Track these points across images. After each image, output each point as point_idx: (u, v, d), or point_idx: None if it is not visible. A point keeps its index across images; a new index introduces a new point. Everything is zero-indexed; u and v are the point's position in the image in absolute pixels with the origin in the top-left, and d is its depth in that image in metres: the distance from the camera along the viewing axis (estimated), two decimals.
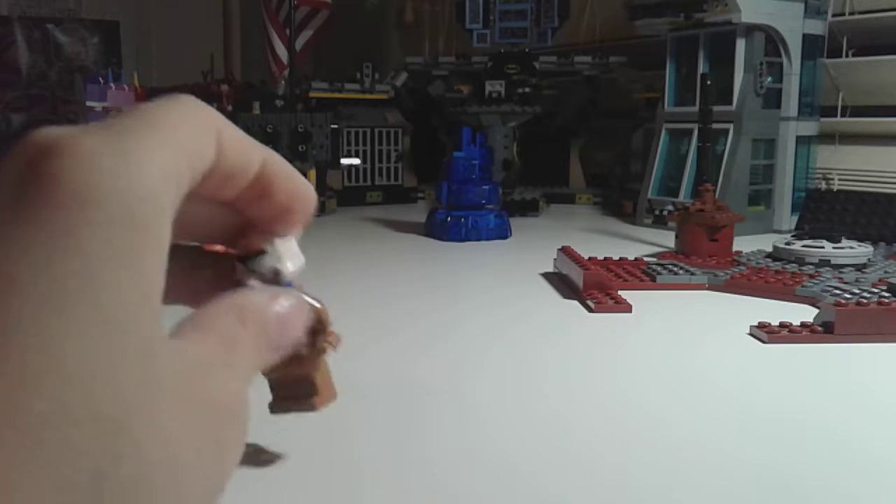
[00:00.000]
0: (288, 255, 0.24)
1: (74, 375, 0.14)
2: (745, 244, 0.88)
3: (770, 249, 0.81)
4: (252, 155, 0.22)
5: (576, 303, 0.66)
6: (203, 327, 0.19)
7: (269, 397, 0.29)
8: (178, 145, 0.18)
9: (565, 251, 0.76)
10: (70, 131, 0.16)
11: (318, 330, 0.26)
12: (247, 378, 0.20)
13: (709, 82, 0.90)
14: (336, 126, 1.40)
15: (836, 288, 0.64)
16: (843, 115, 1.16)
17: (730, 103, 1.09)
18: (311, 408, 0.28)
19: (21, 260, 0.14)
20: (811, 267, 0.74)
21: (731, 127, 1.09)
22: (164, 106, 0.19)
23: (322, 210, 1.29)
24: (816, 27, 1.12)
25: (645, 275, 0.73)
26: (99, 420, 0.14)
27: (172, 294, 0.19)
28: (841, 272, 0.72)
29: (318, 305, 0.26)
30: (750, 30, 1.08)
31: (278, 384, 0.28)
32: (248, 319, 0.20)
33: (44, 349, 0.14)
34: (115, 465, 0.14)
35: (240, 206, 0.23)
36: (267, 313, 0.21)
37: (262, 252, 0.23)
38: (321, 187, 1.38)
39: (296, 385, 0.28)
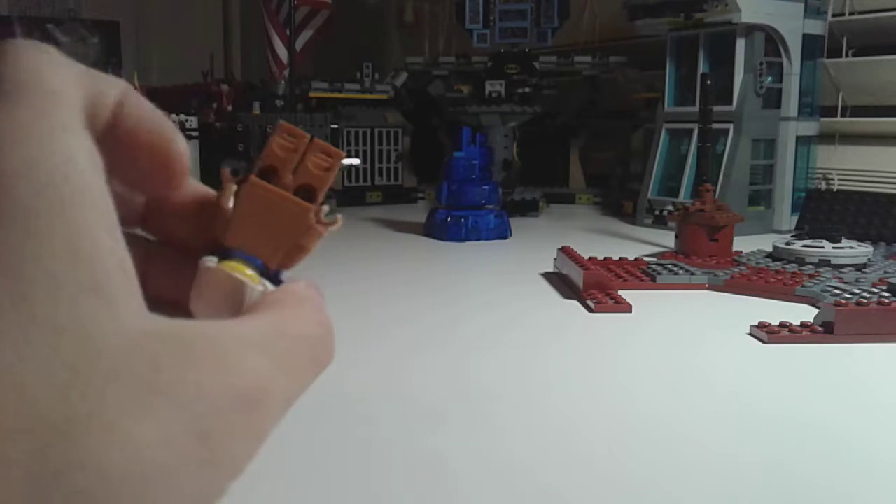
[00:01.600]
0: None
1: None
2: (745, 244, 0.88)
3: (770, 249, 0.81)
4: (106, 87, 0.18)
5: (576, 303, 0.66)
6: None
7: None
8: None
9: (565, 251, 0.76)
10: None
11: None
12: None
13: (709, 82, 0.90)
14: (336, 126, 1.40)
15: (836, 288, 0.64)
16: (843, 115, 1.16)
17: (730, 103, 1.09)
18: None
19: None
20: (811, 267, 0.74)
21: (731, 127, 1.09)
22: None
23: None
24: (816, 27, 1.12)
25: (645, 275, 0.73)
26: (34, 430, 0.12)
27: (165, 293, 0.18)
28: (841, 272, 0.72)
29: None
30: (750, 30, 1.08)
31: None
32: (317, 303, 0.17)
33: None
34: (62, 479, 0.12)
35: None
36: (318, 297, 0.18)
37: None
38: None
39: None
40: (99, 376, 0.13)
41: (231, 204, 0.17)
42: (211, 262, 0.17)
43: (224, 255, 0.17)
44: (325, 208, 0.17)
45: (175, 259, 0.20)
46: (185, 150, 0.18)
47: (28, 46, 0.15)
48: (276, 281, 0.17)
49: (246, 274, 0.17)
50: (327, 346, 0.16)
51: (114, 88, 0.16)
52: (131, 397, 0.13)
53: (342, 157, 0.18)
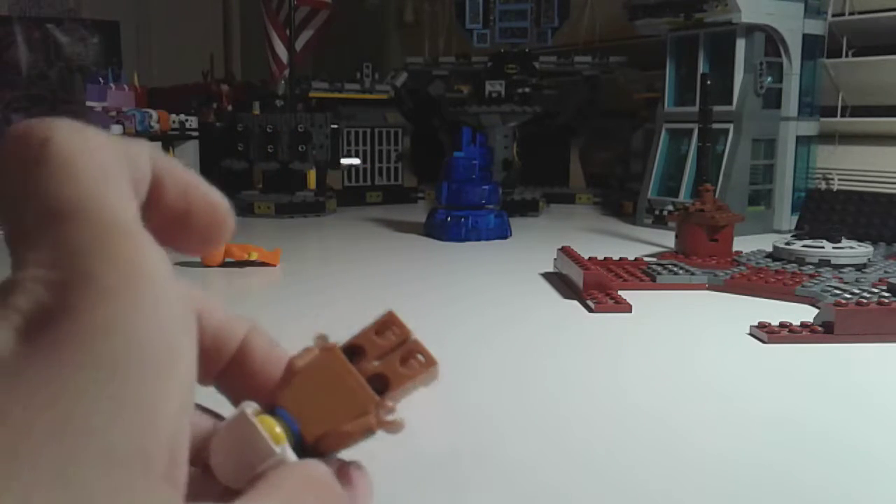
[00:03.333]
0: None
1: None
2: (745, 244, 0.88)
3: (770, 249, 0.81)
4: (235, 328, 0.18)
5: (576, 303, 0.66)
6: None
7: None
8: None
9: (565, 251, 0.76)
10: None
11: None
12: None
13: (709, 82, 0.90)
14: (336, 126, 1.40)
15: (836, 288, 0.64)
16: (843, 115, 1.16)
17: (730, 103, 1.09)
18: None
19: None
20: (811, 267, 0.74)
21: (731, 127, 1.09)
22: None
23: (322, 210, 1.29)
24: (816, 27, 1.12)
25: (645, 275, 0.73)
26: None
27: None
28: (841, 272, 0.72)
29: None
30: (750, 30, 1.08)
31: None
32: (327, 495, 0.16)
33: None
34: None
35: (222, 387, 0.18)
36: (340, 489, 0.17)
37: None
38: (321, 187, 1.38)
39: None
40: None
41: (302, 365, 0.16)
42: (248, 407, 0.16)
43: (268, 409, 0.16)
44: (392, 409, 0.16)
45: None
46: (228, 209, 0.18)
47: (75, 149, 0.14)
48: (309, 454, 0.16)
49: (272, 431, 0.16)
50: None
51: (147, 157, 0.16)
52: None
53: (435, 365, 0.17)
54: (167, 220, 0.17)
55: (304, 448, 0.16)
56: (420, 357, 0.17)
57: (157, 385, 0.13)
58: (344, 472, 0.17)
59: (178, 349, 0.14)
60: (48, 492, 0.12)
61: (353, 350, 0.17)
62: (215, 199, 0.17)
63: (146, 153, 0.16)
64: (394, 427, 0.17)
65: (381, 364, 0.17)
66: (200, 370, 0.17)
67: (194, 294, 0.17)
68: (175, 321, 0.14)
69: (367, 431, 0.16)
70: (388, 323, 0.18)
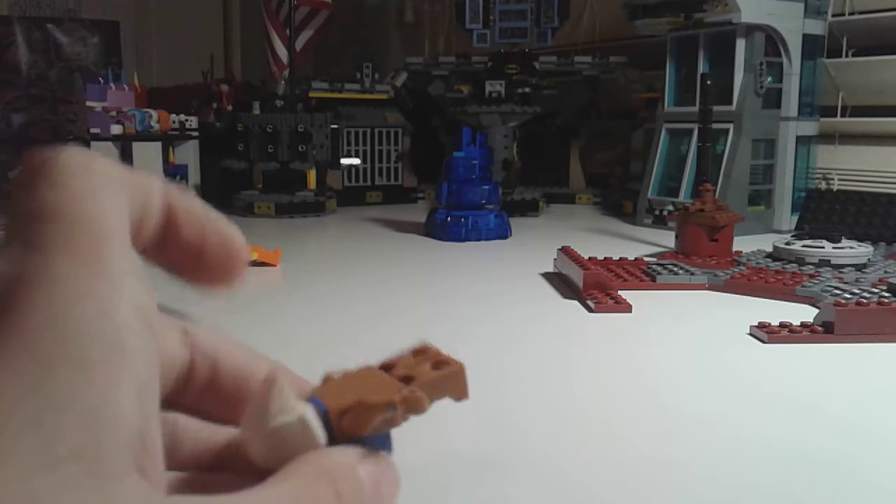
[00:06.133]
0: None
1: None
2: (745, 244, 0.88)
3: (770, 249, 0.81)
4: (152, 187, 0.17)
5: (576, 303, 0.66)
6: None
7: None
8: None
9: (565, 251, 0.76)
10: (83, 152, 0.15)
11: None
12: None
13: (709, 82, 0.90)
14: (336, 126, 1.40)
15: (836, 288, 0.64)
16: (843, 115, 1.16)
17: (730, 103, 1.09)
18: None
19: None
20: (811, 267, 0.74)
21: (731, 127, 1.09)
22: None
23: (322, 210, 1.29)
24: (816, 27, 1.12)
25: (645, 275, 0.73)
26: None
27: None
28: (841, 272, 0.72)
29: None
30: (750, 30, 1.08)
31: None
32: (342, 484, 0.16)
33: None
34: None
35: (162, 261, 0.19)
36: (358, 477, 0.17)
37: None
38: (321, 187, 1.38)
39: None
40: None
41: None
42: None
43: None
44: (420, 398, 0.17)
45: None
46: (243, 244, 0.19)
47: (74, 165, 0.15)
48: (336, 440, 0.17)
49: (290, 399, 0.16)
50: None
51: (158, 190, 0.17)
52: None
53: (461, 367, 0.18)
54: (182, 255, 0.18)
55: (331, 431, 0.17)
56: (443, 363, 0.18)
57: (104, 382, 0.13)
58: (369, 460, 0.17)
59: (128, 348, 0.14)
60: None
61: (386, 366, 0.18)
62: (230, 235, 0.19)
63: (157, 186, 0.17)
64: (415, 403, 0.17)
65: (410, 370, 0.18)
66: (226, 414, 0.18)
67: (204, 335, 0.18)
68: (127, 325, 0.14)
69: (389, 406, 0.17)
70: (422, 350, 0.19)
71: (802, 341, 0.53)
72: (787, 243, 0.78)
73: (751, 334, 0.55)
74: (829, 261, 0.74)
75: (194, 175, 1.36)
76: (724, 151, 1.09)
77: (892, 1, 1.09)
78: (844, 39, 1.14)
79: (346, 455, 0.17)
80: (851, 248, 0.75)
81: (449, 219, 1.01)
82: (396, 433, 0.19)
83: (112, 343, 0.14)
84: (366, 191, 1.48)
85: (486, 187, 1.03)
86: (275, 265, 0.80)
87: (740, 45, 1.08)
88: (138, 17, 2.70)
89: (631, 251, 0.87)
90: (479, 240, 1.01)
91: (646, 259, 0.81)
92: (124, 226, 0.15)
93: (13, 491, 0.12)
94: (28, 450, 0.12)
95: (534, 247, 0.96)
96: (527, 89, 1.42)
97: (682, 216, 0.84)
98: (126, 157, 1.21)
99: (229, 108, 1.60)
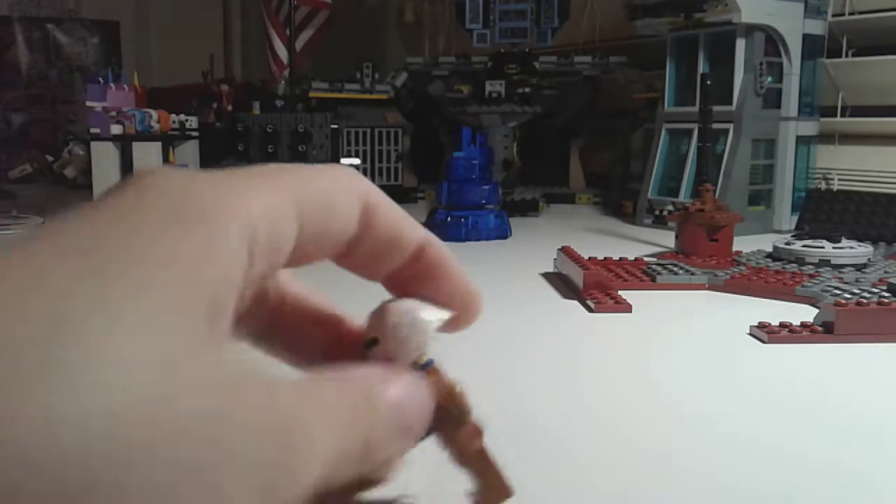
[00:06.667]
0: (418, 333, 0.21)
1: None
2: (745, 244, 0.88)
3: (770, 249, 0.81)
4: (409, 233, 0.21)
5: (576, 303, 0.66)
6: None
7: None
8: (291, 194, 0.18)
9: (565, 251, 0.76)
10: (178, 169, 0.17)
11: (456, 420, 0.22)
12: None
13: (709, 82, 0.90)
14: (336, 126, 1.40)
15: (836, 288, 0.64)
16: (843, 115, 1.16)
17: (730, 103, 1.09)
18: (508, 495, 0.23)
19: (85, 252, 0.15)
20: (811, 267, 0.74)
21: (731, 127, 1.09)
22: (303, 166, 0.19)
23: None
24: (816, 27, 1.12)
25: (645, 275, 0.73)
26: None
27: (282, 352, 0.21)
28: (841, 272, 0.72)
29: (455, 388, 0.22)
30: (750, 30, 1.08)
31: None
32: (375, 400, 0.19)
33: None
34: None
35: (392, 287, 0.22)
36: (381, 397, 0.19)
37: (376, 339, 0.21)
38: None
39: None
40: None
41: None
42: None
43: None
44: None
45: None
46: (480, 305, 0.25)
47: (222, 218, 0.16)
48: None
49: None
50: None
51: (415, 234, 0.22)
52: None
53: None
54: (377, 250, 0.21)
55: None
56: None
57: (206, 244, 0.15)
58: (401, 380, 0.20)
59: (226, 229, 0.16)
60: (89, 311, 0.13)
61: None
62: (465, 282, 0.24)
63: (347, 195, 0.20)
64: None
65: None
66: (372, 262, 0.22)
67: (361, 186, 0.21)
68: (242, 228, 0.16)
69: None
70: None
71: (802, 341, 0.53)
72: (787, 243, 0.78)
73: (751, 334, 0.55)
74: (829, 261, 0.74)
75: None
76: (724, 151, 1.09)
77: (892, 1, 1.09)
78: (844, 39, 1.14)
79: (384, 373, 0.20)
80: (851, 248, 0.75)
81: (449, 219, 1.01)
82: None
83: (217, 225, 0.16)
84: None
85: (486, 187, 1.03)
86: None
87: (740, 45, 1.08)
88: (138, 17, 2.71)
89: (631, 251, 0.87)
90: (479, 240, 1.01)
91: (646, 259, 0.81)
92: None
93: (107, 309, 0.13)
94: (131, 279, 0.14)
95: (534, 247, 0.96)
96: (527, 89, 1.42)
97: (682, 216, 0.84)
98: (126, 157, 1.21)
99: (229, 108, 1.60)
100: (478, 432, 0.23)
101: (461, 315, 0.23)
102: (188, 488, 0.13)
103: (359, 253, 0.21)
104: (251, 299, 0.18)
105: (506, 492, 0.24)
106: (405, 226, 0.21)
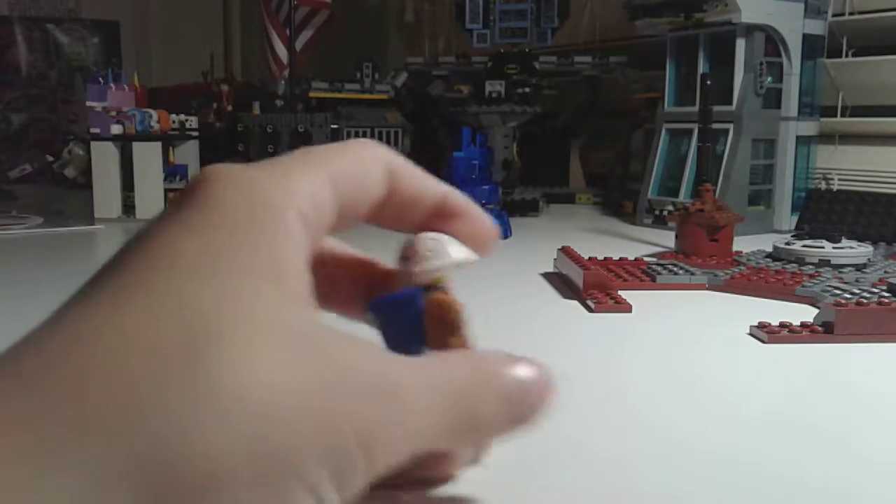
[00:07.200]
0: (451, 250, 0.25)
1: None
2: (745, 244, 0.88)
3: (770, 249, 0.81)
4: (430, 188, 0.25)
5: (576, 303, 0.66)
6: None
7: None
8: (326, 173, 0.21)
9: (565, 251, 0.76)
10: (234, 165, 0.20)
11: (451, 328, 0.26)
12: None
13: (709, 82, 0.90)
14: (336, 126, 1.40)
15: (836, 288, 0.64)
16: (843, 115, 1.16)
17: (730, 103, 1.09)
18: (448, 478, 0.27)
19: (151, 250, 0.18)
20: (811, 267, 0.74)
21: (731, 127, 1.09)
22: (330, 146, 0.22)
23: None
24: (816, 27, 1.12)
25: (645, 275, 0.73)
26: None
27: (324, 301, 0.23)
28: (841, 272, 0.72)
29: (457, 304, 0.26)
30: (750, 30, 1.08)
31: None
32: (487, 376, 0.22)
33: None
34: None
35: (420, 231, 0.26)
36: (505, 376, 0.22)
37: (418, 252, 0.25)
38: None
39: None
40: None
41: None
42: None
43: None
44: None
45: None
46: (495, 235, 0.27)
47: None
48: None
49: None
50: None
51: (437, 187, 0.25)
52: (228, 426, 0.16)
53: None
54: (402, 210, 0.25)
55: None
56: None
57: (271, 233, 0.18)
58: (521, 365, 0.24)
59: (285, 216, 0.19)
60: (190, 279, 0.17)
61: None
62: (482, 219, 0.26)
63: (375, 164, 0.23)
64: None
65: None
66: (400, 217, 0.25)
67: (381, 154, 0.23)
68: (291, 211, 0.19)
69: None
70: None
71: (802, 341, 0.53)
72: (787, 243, 0.78)
73: (751, 334, 0.55)
74: (829, 261, 0.74)
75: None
76: (724, 151, 1.09)
77: (892, 1, 1.09)
78: (844, 39, 1.14)
79: (500, 359, 0.23)
80: (851, 248, 0.75)
81: None
82: None
83: (274, 214, 0.19)
84: None
85: (486, 187, 1.03)
86: None
87: (740, 45, 1.08)
88: (138, 17, 2.71)
89: (631, 251, 0.87)
90: None
91: (646, 259, 0.81)
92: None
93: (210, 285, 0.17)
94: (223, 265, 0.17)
95: (534, 247, 0.96)
96: (527, 89, 1.42)
97: (682, 216, 0.84)
98: (126, 157, 1.21)
99: (229, 108, 1.60)
100: (464, 345, 0.27)
101: (479, 250, 0.27)
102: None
103: (387, 212, 0.24)
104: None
105: (449, 472, 0.27)
106: (426, 183, 0.24)
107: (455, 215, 0.25)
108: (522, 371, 0.22)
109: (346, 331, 0.19)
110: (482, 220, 0.26)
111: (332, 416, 0.16)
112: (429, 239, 0.25)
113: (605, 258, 0.80)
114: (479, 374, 0.21)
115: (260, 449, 0.15)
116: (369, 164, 0.22)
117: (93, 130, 1.21)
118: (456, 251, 0.25)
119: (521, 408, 0.22)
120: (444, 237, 0.25)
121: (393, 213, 0.24)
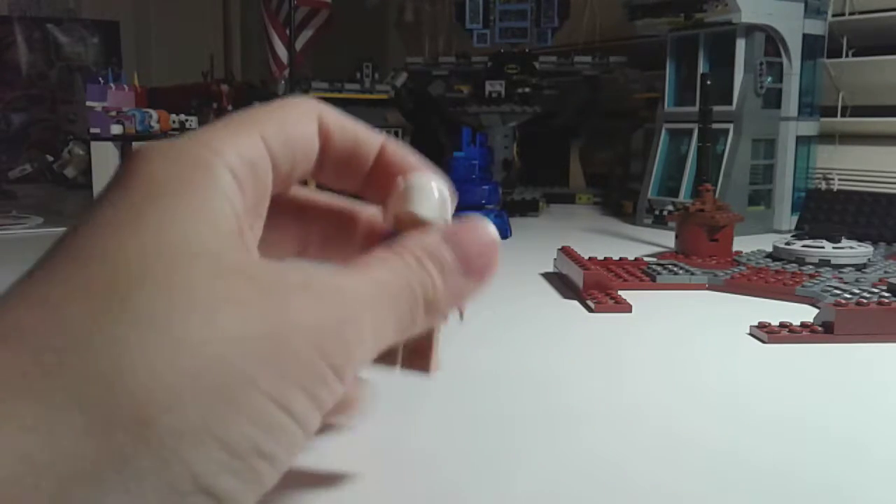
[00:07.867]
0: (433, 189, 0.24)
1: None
2: (745, 244, 0.88)
3: (770, 249, 0.81)
4: (365, 137, 0.25)
5: (576, 303, 0.66)
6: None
7: None
8: (256, 130, 0.21)
9: (565, 251, 0.76)
10: (161, 141, 0.20)
11: None
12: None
13: (709, 82, 0.90)
14: None
15: (836, 288, 0.64)
16: (843, 115, 1.16)
17: (730, 103, 1.09)
18: (427, 371, 0.28)
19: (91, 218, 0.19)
20: (811, 267, 0.74)
21: (731, 127, 1.09)
22: (262, 106, 0.23)
23: None
24: (816, 27, 1.12)
25: (645, 275, 0.73)
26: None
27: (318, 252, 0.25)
28: (841, 272, 0.72)
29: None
30: (750, 30, 1.08)
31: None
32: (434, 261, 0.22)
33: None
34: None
35: (369, 196, 0.26)
36: (441, 246, 0.22)
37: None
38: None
39: (418, 342, 0.27)
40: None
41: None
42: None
43: None
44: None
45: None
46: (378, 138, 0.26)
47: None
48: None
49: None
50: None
51: (373, 138, 0.25)
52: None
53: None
54: (340, 166, 0.25)
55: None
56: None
57: (198, 197, 0.18)
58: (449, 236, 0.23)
59: (209, 171, 0.19)
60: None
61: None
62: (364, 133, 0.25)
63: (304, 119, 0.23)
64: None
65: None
66: (342, 174, 0.25)
67: (311, 106, 0.23)
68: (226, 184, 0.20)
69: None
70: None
71: (802, 341, 0.53)
72: (787, 243, 0.78)
73: (751, 334, 0.55)
74: (829, 261, 0.74)
75: None
76: (724, 151, 1.09)
77: (892, 1, 1.09)
78: (844, 39, 1.14)
79: (431, 237, 0.22)
80: (851, 248, 0.75)
81: None
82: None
83: (196, 176, 0.19)
84: None
85: (486, 187, 1.03)
86: None
87: (740, 45, 1.08)
88: (138, 17, 2.70)
89: (631, 251, 0.87)
90: None
91: (646, 259, 0.81)
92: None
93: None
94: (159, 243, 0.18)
95: (534, 247, 0.96)
96: (527, 89, 1.42)
97: (682, 216, 0.84)
98: (126, 157, 1.21)
99: (229, 108, 1.59)
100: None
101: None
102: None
103: (328, 165, 0.24)
104: (271, 227, 0.22)
105: (426, 368, 0.28)
106: (359, 131, 0.24)
107: (395, 168, 0.25)
108: (462, 232, 0.23)
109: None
110: (421, 170, 0.26)
111: (278, 328, 0.17)
112: (417, 177, 0.25)
113: (605, 258, 0.80)
114: (418, 252, 0.22)
115: (204, 365, 0.16)
116: (300, 117, 0.23)
117: (93, 130, 1.21)
118: (437, 185, 0.25)
119: (470, 266, 0.23)
120: (431, 176, 0.25)
121: (335, 168, 0.25)
